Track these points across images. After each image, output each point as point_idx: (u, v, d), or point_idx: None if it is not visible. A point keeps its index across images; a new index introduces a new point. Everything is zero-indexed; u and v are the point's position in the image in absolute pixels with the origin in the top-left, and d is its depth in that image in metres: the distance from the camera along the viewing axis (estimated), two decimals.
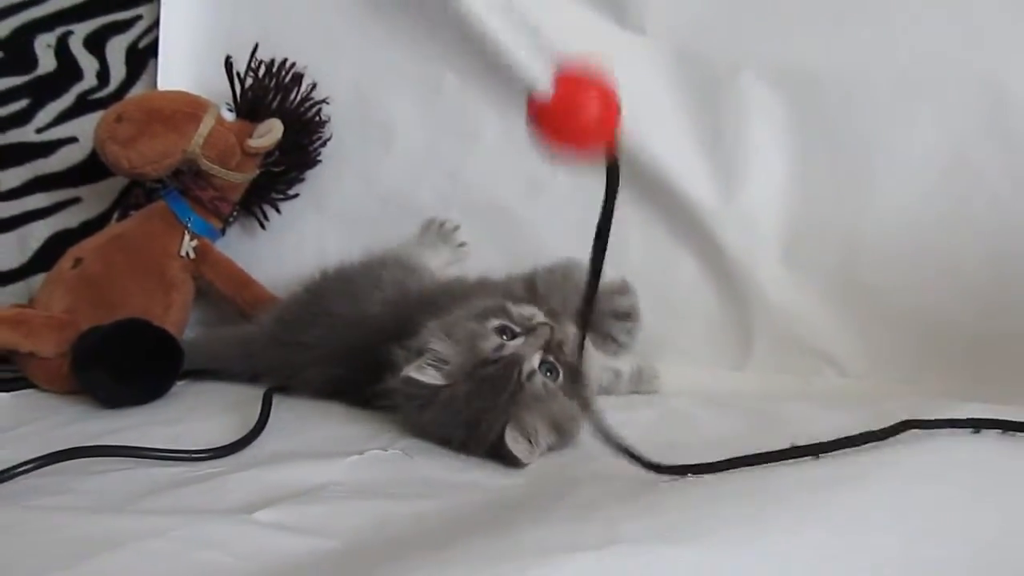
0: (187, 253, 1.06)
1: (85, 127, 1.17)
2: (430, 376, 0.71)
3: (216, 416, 0.83)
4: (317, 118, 1.12)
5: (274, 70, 1.10)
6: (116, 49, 1.23)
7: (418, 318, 0.76)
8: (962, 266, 0.86)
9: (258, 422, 0.78)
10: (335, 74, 1.12)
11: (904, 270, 0.88)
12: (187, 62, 1.16)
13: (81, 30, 1.24)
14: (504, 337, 0.72)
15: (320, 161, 1.13)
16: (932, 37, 0.87)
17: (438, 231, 1.06)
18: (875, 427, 0.54)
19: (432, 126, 1.09)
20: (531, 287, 0.83)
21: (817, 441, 0.53)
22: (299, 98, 1.11)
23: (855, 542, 0.44)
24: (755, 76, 0.94)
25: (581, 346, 0.63)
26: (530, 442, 0.68)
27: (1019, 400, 0.62)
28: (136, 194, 1.17)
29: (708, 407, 0.79)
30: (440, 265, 1.03)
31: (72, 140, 1.22)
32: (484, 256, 1.04)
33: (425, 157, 1.09)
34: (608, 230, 0.49)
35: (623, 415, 0.76)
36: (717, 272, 0.96)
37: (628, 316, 0.84)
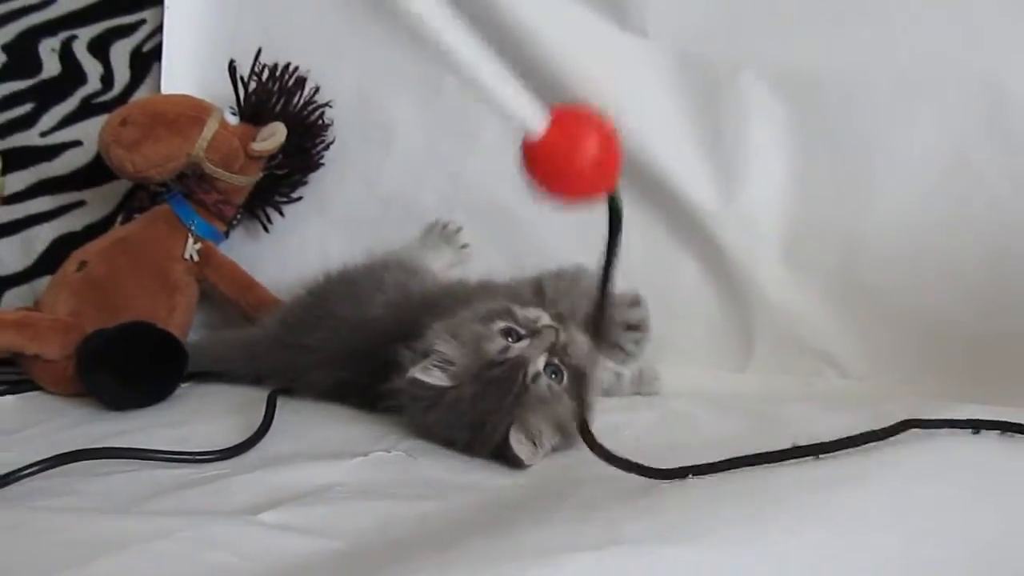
0: (191, 256, 1.06)
1: (89, 131, 1.18)
2: (436, 377, 0.71)
3: (221, 418, 0.84)
4: (320, 121, 1.12)
5: (277, 74, 1.11)
6: (120, 53, 1.23)
7: (421, 320, 0.76)
8: (962, 267, 0.86)
9: (262, 424, 0.78)
10: (337, 77, 1.12)
11: (904, 271, 0.88)
12: (191, 66, 1.17)
13: (85, 34, 1.24)
14: (509, 339, 0.73)
15: (323, 164, 1.14)
16: (932, 37, 0.87)
17: (440, 233, 1.06)
18: (875, 428, 0.54)
19: (434, 128, 1.09)
20: (539, 291, 0.83)
21: (818, 441, 0.54)
22: (302, 101, 1.12)
23: (855, 542, 0.44)
24: (755, 77, 0.94)
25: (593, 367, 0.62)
26: (534, 444, 0.68)
27: (1019, 401, 0.62)
28: (140, 197, 1.18)
29: (709, 408, 0.79)
30: (442, 267, 1.04)
31: (76, 144, 1.23)
32: (486, 257, 1.04)
33: (427, 159, 1.10)
34: (613, 270, 0.48)
35: (624, 416, 0.76)
36: (718, 273, 0.96)
37: (638, 327, 0.84)
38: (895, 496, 0.48)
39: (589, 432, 0.57)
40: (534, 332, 0.73)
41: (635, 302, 0.84)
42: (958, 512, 0.47)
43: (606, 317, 0.50)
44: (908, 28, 0.88)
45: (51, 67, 1.25)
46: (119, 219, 1.20)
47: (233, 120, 1.10)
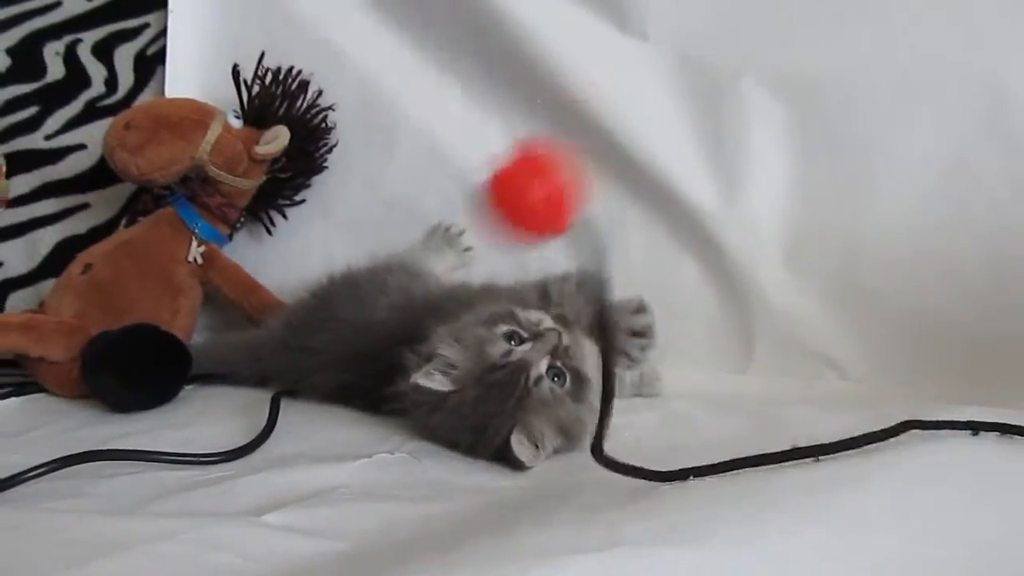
0: (195, 259, 1.07)
1: (93, 134, 1.18)
2: (438, 382, 0.71)
3: (225, 420, 0.84)
4: (323, 124, 1.13)
5: (280, 77, 1.11)
6: (124, 57, 1.24)
7: (424, 323, 0.76)
8: (962, 269, 0.86)
9: (266, 426, 0.79)
10: (341, 81, 1.13)
11: (904, 273, 0.88)
12: (194, 69, 1.17)
13: (89, 38, 1.25)
14: (512, 343, 0.73)
15: (326, 167, 1.14)
16: (932, 39, 0.88)
17: (444, 235, 1.07)
18: (875, 429, 0.54)
19: (437, 131, 1.10)
20: (544, 294, 0.84)
21: (818, 443, 0.54)
22: (305, 105, 1.12)
23: (855, 543, 0.44)
24: (756, 81, 0.94)
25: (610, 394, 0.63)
26: (536, 446, 0.69)
27: (1018, 403, 0.62)
28: (144, 200, 1.18)
29: (709, 410, 0.79)
30: (445, 269, 1.04)
31: (81, 147, 1.24)
32: (489, 260, 1.05)
33: (430, 162, 1.10)
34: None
35: (625, 418, 0.76)
36: (718, 275, 0.97)
37: (644, 334, 0.84)
38: (895, 497, 0.48)
39: (601, 449, 0.58)
40: (536, 335, 0.73)
41: (640, 308, 0.84)
42: (958, 513, 0.47)
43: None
44: (907, 30, 0.89)
45: (55, 71, 1.26)
46: (123, 222, 1.21)
47: (237, 123, 1.10)
